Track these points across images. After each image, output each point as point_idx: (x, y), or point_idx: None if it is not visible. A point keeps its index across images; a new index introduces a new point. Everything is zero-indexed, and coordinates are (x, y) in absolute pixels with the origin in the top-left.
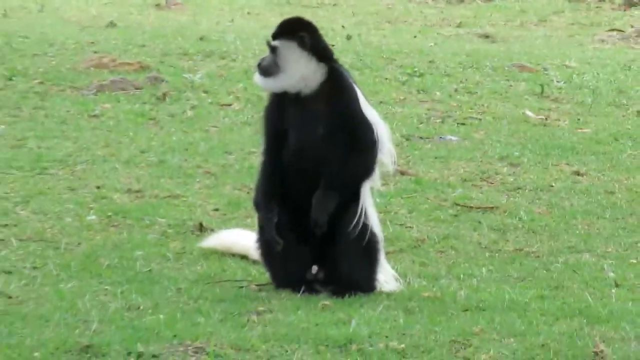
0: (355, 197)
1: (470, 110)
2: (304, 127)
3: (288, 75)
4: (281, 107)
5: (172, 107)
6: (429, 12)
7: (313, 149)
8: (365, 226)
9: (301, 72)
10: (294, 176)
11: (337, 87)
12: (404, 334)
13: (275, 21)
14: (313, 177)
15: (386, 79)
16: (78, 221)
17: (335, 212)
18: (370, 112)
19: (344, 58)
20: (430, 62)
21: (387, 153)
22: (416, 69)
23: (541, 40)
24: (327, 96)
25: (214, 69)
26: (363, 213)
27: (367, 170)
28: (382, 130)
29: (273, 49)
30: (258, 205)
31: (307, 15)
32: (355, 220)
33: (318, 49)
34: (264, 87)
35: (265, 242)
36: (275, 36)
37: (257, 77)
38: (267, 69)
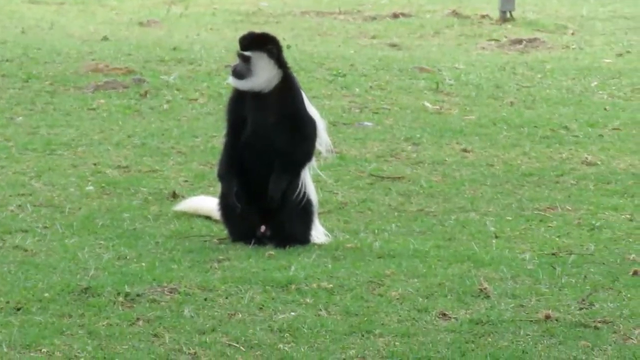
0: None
1: (382, 102)
2: (259, 116)
3: (257, 78)
4: (241, 99)
5: (152, 101)
6: (350, 27)
7: (265, 133)
8: (304, 194)
9: (267, 76)
10: (250, 154)
11: (287, 88)
12: (332, 276)
13: (231, 35)
14: (264, 155)
15: (317, 78)
16: (79, 191)
17: None
18: (312, 110)
19: None
20: (351, 65)
21: (323, 143)
22: (340, 71)
23: (436, 48)
24: (279, 94)
25: (184, 72)
26: (303, 185)
27: (308, 156)
28: (320, 125)
29: (245, 58)
30: (221, 176)
31: (255, 30)
32: (297, 192)
33: (279, 58)
34: (236, 86)
35: (225, 206)
36: (246, 47)
37: (231, 79)
38: (240, 74)
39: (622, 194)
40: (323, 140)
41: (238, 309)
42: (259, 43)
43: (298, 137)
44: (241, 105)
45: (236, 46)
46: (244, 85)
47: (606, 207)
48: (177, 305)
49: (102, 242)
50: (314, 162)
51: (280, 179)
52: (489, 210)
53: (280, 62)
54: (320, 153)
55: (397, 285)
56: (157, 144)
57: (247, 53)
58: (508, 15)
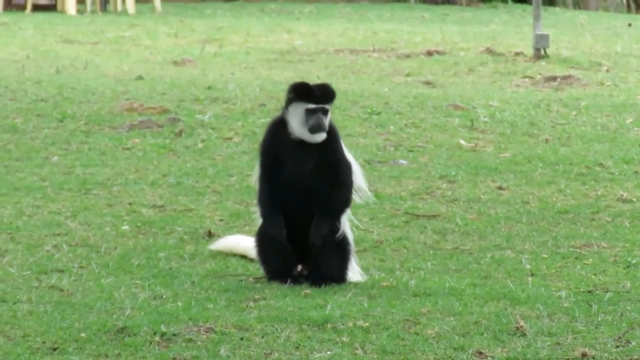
0: None
1: (416, 140)
2: (298, 162)
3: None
4: (278, 143)
5: (187, 140)
6: (384, 65)
7: (304, 179)
8: (341, 234)
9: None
10: (288, 197)
11: (328, 135)
12: (368, 315)
13: (265, 73)
14: (303, 198)
15: (351, 116)
16: (115, 230)
17: None
18: (349, 156)
19: None
20: (385, 103)
21: (360, 190)
22: (374, 109)
23: (470, 85)
24: (321, 143)
25: (219, 111)
26: (341, 226)
27: (347, 203)
28: (356, 170)
29: (325, 111)
30: (268, 218)
31: (290, 68)
32: (336, 234)
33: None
34: (317, 141)
35: (263, 244)
36: (327, 100)
37: (319, 136)
38: (325, 127)
39: None
40: (359, 186)
41: (274, 348)
42: (333, 95)
43: (338, 184)
44: (279, 149)
45: (270, 85)
46: (321, 137)
47: None
48: (213, 345)
49: (138, 281)
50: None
51: (322, 225)
52: (525, 248)
53: None
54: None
55: (433, 324)
56: (192, 183)
57: (327, 106)
58: (542, 52)
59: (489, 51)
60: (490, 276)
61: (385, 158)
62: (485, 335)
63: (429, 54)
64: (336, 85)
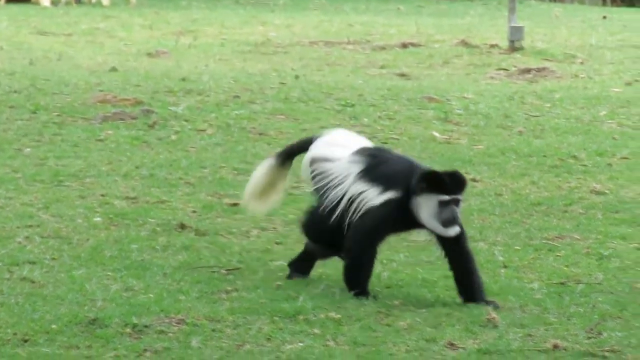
0: None
1: (390, 132)
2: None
3: None
4: (396, 224)
5: (160, 132)
6: (358, 57)
7: None
8: None
9: None
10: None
11: None
12: (340, 307)
13: (239, 65)
14: None
15: (325, 109)
16: (87, 222)
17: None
18: None
19: (293, 93)
20: (359, 95)
21: None
22: (349, 101)
23: (445, 77)
24: None
25: (193, 103)
26: None
27: None
28: None
29: (458, 202)
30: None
31: (264, 60)
32: None
33: None
34: (450, 235)
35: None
36: (460, 191)
37: (453, 230)
38: (459, 220)
39: (631, 222)
40: None
41: (246, 339)
42: (465, 185)
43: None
44: (395, 227)
45: (245, 77)
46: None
47: (614, 236)
48: (184, 337)
49: (109, 273)
50: None
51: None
52: (498, 240)
53: None
54: None
55: (405, 315)
56: (165, 174)
57: (460, 196)
58: (517, 44)
59: (464, 43)
60: None
61: None
62: (457, 327)
63: (404, 46)
64: (310, 77)
